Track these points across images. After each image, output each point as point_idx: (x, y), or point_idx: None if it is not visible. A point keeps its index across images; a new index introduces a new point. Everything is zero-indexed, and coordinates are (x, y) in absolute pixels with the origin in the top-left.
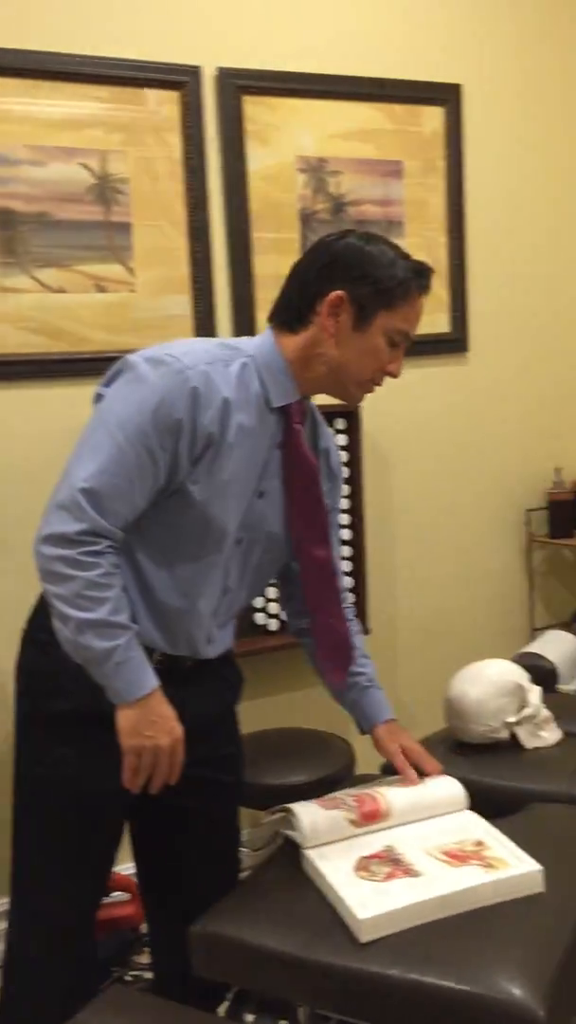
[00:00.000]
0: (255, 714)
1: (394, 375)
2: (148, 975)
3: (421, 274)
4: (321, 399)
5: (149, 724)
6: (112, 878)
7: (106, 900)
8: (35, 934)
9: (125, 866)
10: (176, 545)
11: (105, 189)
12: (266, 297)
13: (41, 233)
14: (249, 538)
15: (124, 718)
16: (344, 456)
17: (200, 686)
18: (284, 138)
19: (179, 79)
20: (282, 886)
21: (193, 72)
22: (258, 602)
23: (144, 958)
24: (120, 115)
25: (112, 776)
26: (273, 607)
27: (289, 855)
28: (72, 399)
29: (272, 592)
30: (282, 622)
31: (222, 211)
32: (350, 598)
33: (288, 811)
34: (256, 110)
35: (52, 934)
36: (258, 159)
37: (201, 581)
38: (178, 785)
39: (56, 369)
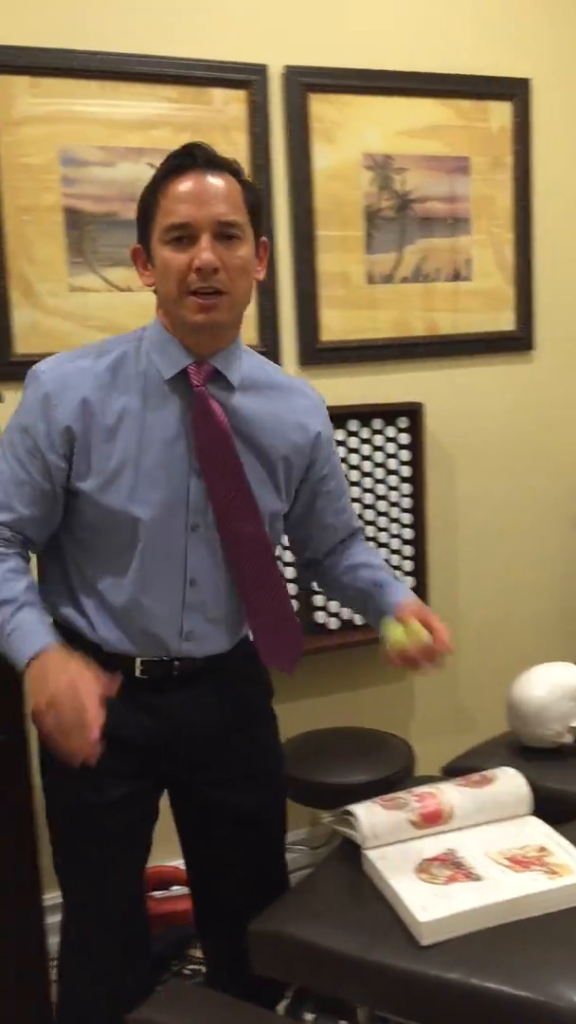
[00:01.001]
0: (314, 713)
1: (202, 266)
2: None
3: (165, 164)
4: (377, 397)
5: (43, 681)
6: (171, 873)
7: (164, 894)
8: (76, 927)
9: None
10: (99, 543)
11: None
12: (330, 294)
13: (109, 233)
14: (204, 522)
15: (27, 684)
16: (406, 455)
17: (193, 696)
18: (350, 135)
19: (246, 78)
20: (341, 886)
21: (260, 71)
22: (318, 600)
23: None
24: (187, 115)
25: (97, 787)
26: (333, 605)
27: (349, 855)
28: None
29: None
30: (342, 621)
31: (287, 209)
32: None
33: (348, 812)
34: (322, 108)
35: (91, 927)
36: (324, 157)
37: (146, 575)
38: (191, 798)
39: None
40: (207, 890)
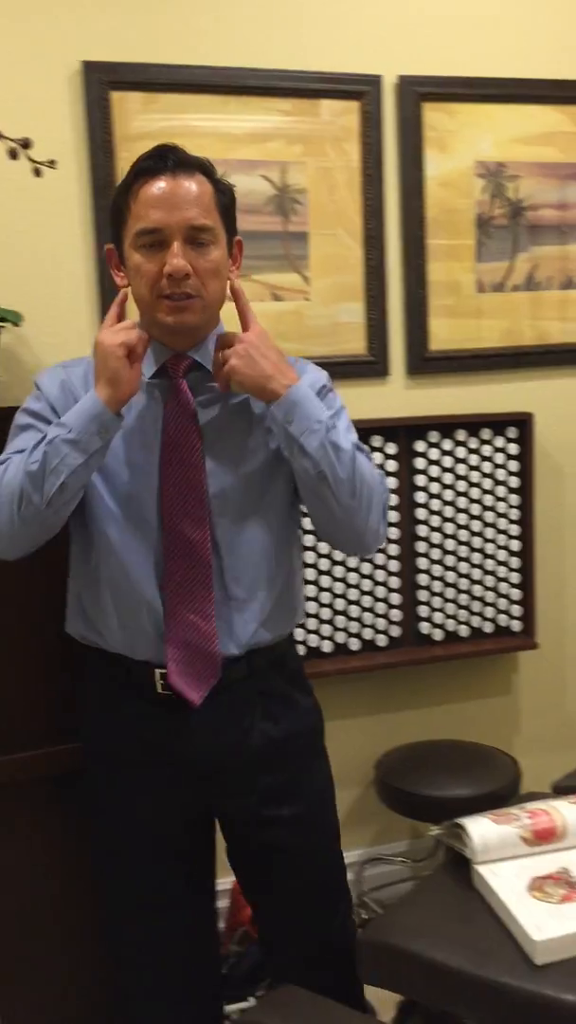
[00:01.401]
0: (416, 724)
1: (173, 273)
2: None
3: (135, 167)
4: (486, 407)
5: (98, 373)
6: None
7: None
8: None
9: None
10: (92, 542)
11: (284, 200)
12: (439, 303)
13: None
14: None
15: (102, 393)
16: (515, 466)
17: (220, 716)
18: (463, 144)
19: (360, 89)
20: (451, 900)
21: (374, 81)
22: (422, 611)
23: None
24: (301, 127)
25: (142, 811)
26: (438, 616)
27: (457, 869)
28: None
29: (437, 601)
30: (447, 632)
31: (398, 218)
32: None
33: (458, 825)
34: (435, 116)
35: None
36: (436, 165)
37: (129, 566)
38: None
39: None
40: (263, 917)
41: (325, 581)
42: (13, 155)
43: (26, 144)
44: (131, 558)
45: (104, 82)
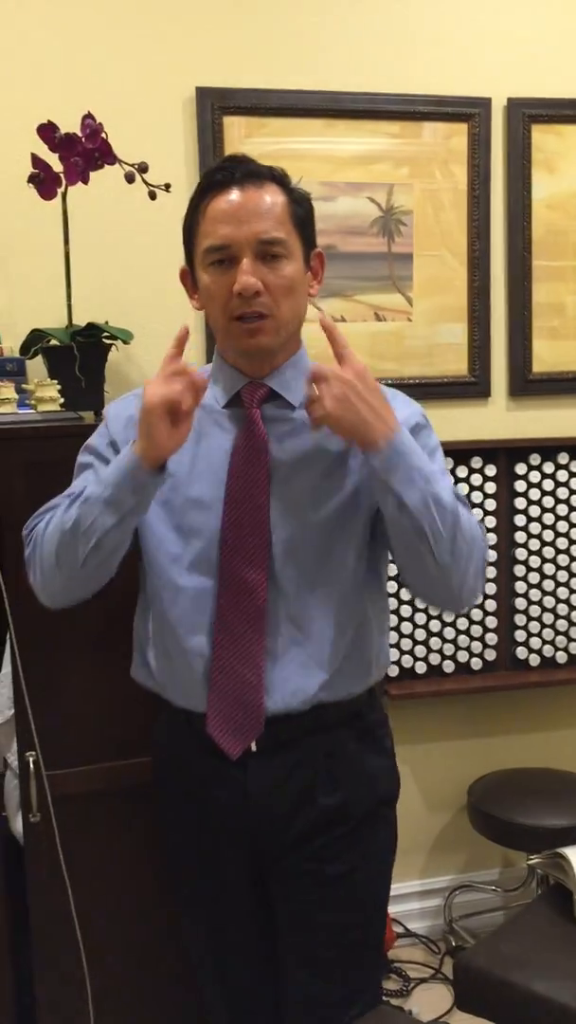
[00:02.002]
0: (509, 751)
1: (243, 290)
2: (394, 1002)
3: (202, 182)
4: None
5: (141, 429)
6: None
7: None
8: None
9: None
10: (156, 582)
11: (389, 221)
12: (544, 325)
13: (327, 265)
14: None
15: (139, 448)
16: None
17: (278, 774)
18: (572, 165)
19: (469, 111)
20: (552, 931)
21: (483, 104)
22: (519, 635)
23: (391, 984)
24: (408, 149)
25: (201, 858)
26: (535, 642)
27: (557, 899)
28: None
29: (535, 626)
30: (543, 658)
31: (503, 240)
32: None
33: (560, 855)
34: (544, 138)
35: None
36: (543, 187)
37: (185, 606)
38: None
39: None
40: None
41: (420, 602)
42: (130, 179)
43: (143, 168)
44: (188, 598)
45: (217, 107)
